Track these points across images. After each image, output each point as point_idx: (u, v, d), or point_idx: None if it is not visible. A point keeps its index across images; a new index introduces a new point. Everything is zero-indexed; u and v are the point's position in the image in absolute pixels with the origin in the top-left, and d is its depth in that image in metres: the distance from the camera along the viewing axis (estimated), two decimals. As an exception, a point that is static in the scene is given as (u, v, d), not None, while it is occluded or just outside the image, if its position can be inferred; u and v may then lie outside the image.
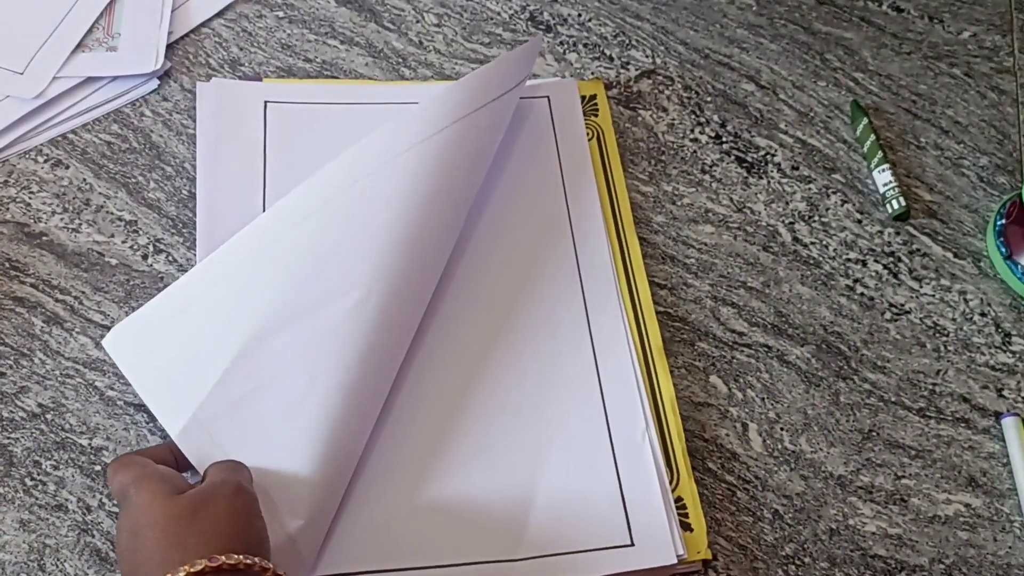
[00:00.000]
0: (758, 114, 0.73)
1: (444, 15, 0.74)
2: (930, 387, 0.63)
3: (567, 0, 0.76)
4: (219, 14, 0.72)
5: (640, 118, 0.71)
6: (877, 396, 0.62)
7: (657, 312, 0.63)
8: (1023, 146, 0.74)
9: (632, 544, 0.54)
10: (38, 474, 0.54)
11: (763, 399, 0.61)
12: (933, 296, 0.66)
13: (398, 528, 0.53)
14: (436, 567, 0.52)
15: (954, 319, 0.66)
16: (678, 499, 0.56)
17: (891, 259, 0.68)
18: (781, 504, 0.58)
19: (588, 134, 0.69)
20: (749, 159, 0.71)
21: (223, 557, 0.41)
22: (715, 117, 0.72)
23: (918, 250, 0.68)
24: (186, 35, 0.70)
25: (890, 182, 0.69)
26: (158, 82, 0.68)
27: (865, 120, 0.72)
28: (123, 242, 0.62)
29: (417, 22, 0.74)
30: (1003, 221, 0.67)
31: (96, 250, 0.61)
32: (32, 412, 0.56)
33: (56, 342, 0.58)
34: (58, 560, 0.52)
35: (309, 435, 0.51)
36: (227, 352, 0.52)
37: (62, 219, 0.62)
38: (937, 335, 0.65)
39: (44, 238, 0.61)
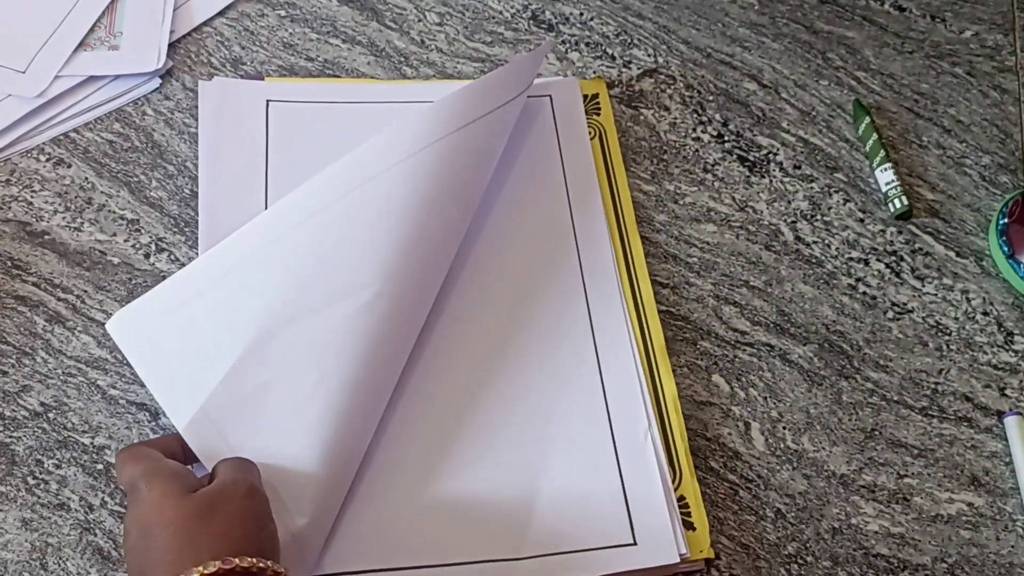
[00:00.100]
0: (760, 113, 0.73)
1: (446, 14, 0.74)
2: (932, 386, 0.63)
3: (569, -1, 0.77)
4: (221, 13, 0.72)
5: (642, 117, 0.71)
6: (879, 395, 0.62)
7: (659, 311, 0.63)
8: (1025, 145, 0.74)
9: (635, 543, 0.54)
10: (40, 473, 0.54)
11: (765, 398, 0.61)
12: (935, 295, 0.66)
13: (401, 527, 0.53)
14: (439, 566, 0.52)
15: (956, 318, 0.66)
16: (680, 498, 0.56)
17: (893, 258, 0.68)
18: (783, 503, 0.58)
19: (590, 133, 0.69)
20: (751, 158, 0.71)
21: (236, 560, 0.41)
22: (717, 116, 0.72)
23: (920, 249, 0.68)
24: (188, 34, 0.70)
25: (892, 181, 0.69)
26: (160, 81, 0.68)
27: (867, 119, 0.72)
28: (125, 241, 0.62)
29: (419, 21, 0.74)
30: (1005, 220, 0.67)
31: (98, 249, 0.61)
32: (34, 411, 0.56)
33: (58, 341, 0.58)
34: (60, 559, 0.52)
35: (317, 433, 0.51)
36: (236, 345, 0.52)
37: (64, 218, 0.62)
38: (939, 334, 0.65)
39: (46, 237, 0.61)
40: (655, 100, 0.72)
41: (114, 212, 0.63)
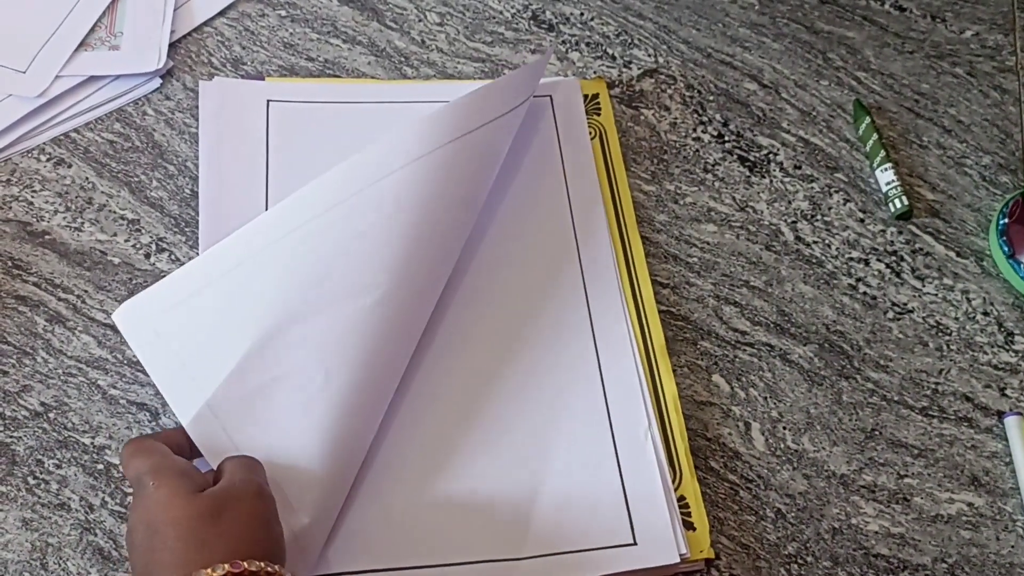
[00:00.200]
0: (760, 113, 0.73)
1: (446, 14, 0.74)
2: (933, 386, 0.63)
3: (569, -1, 0.77)
4: (221, 13, 0.72)
5: (642, 117, 0.71)
6: (880, 395, 0.62)
7: (660, 311, 0.63)
8: (1026, 145, 0.74)
9: (635, 543, 0.54)
10: (41, 473, 0.54)
11: (766, 398, 0.61)
12: (936, 295, 0.66)
13: (402, 527, 0.53)
14: (440, 566, 0.52)
15: (957, 318, 0.66)
16: (681, 498, 0.56)
17: (894, 258, 0.68)
18: (784, 503, 0.58)
19: (591, 133, 0.69)
20: (751, 158, 0.71)
21: (245, 563, 0.41)
22: (717, 116, 0.72)
23: (920, 249, 0.68)
24: (188, 34, 0.70)
25: (892, 181, 0.69)
26: (160, 81, 0.68)
27: (867, 119, 0.72)
28: (126, 241, 0.62)
29: (419, 21, 0.74)
30: (1006, 220, 0.67)
31: (99, 249, 0.61)
32: (35, 411, 0.56)
33: (59, 341, 0.58)
34: (60, 559, 0.52)
35: (321, 432, 0.51)
36: (243, 340, 0.52)
37: (64, 218, 0.62)
38: (940, 334, 0.65)
39: (46, 237, 0.61)
40: (655, 100, 0.72)
41: (114, 212, 0.63)
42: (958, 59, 0.77)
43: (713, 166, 0.70)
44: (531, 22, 0.75)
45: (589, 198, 0.66)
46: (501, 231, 0.64)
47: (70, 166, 0.64)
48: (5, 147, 0.64)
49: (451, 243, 0.58)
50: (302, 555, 0.50)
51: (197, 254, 0.60)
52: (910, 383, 0.63)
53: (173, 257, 0.61)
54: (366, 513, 0.53)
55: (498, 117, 0.61)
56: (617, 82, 0.73)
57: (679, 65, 0.74)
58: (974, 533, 0.58)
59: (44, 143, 0.65)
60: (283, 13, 0.73)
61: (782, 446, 0.60)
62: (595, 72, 0.73)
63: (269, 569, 0.41)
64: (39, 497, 0.53)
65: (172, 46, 0.69)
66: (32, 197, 0.63)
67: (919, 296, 0.66)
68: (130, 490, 0.54)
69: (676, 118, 0.72)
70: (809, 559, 0.56)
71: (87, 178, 0.64)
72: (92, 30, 0.69)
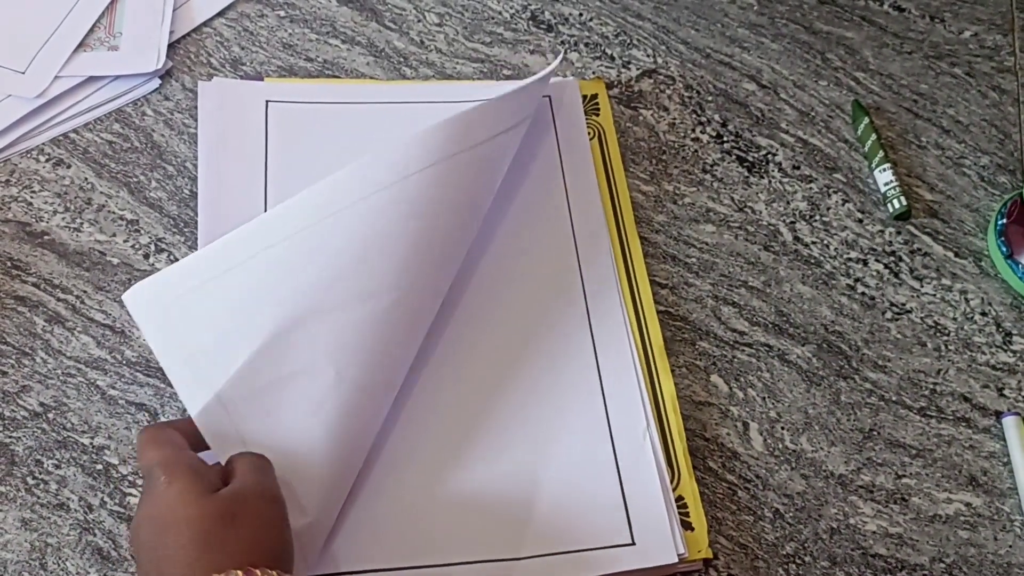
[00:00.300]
0: (759, 113, 0.73)
1: (445, 14, 0.74)
2: (931, 386, 0.63)
3: (568, 0, 0.77)
4: (220, 13, 0.72)
5: (641, 117, 0.71)
6: (878, 395, 0.62)
7: (658, 311, 0.63)
8: (1024, 145, 0.74)
9: (633, 543, 0.54)
10: (40, 473, 0.54)
11: (764, 398, 0.61)
12: (934, 295, 0.66)
13: (400, 527, 0.53)
14: (438, 566, 0.52)
15: (955, 318, 0.66)
16: (679, 498, 0.56)
17: (892, 258, 0.68)
18: (782, 503, 0.58)
19: (589, 134, 0.69)
20: (750, 159, 0.71)
21: (258, 572, 0.40)
22: (716, 116, 0.72)
23: (919, 249, 0.68)
24: (187, 34, 0.70)
25: (891, 181, 0.69)
26: (159, 81, 0.68)
27: (866, 119, 0.72)
28: (124, 241, 0.62)
29: (418, 21, 0.74)
30: (1004, 220, 0.67)
31: (98, 249, 0.61)
32: (34, 411, 0.56)
33: (58, 341, 0.58)
34: (60, 559, 0.52)
35: (328, 433, 0.50)
36: (257, 333, 0.51)
37: (64, 218, 0.62)
38: (938, 334, 0.65)
39: (46, 237, 0.61)
40: (654, 100, 0.72)
41: (114, 212, 0.63)
42: (957, 59, 0.77)
43: (712, 166, 0.70)
44: (530, 22, 0.75)
45: (588, 199, 0.66)
46: (500, 231, 0.64)
47: (69, 167, 0.64)
48: (4, 148, 0.64)
49: (457, 249, 0.58)
50: (301, 554, 0.50)
51: (196, 254, 0.60)
52: (908, 383, 0.63)
53: (172, 257, 0.61)
54: (365, 513, 0.53)
55: (505, 131, 0.60)
56: (616, 82, 0.73)
57: (678, 65, 0.74)
58: (972, 533, 0.58)
59: (43, 144, 0.65)
60: (282, 14, 0.73)
61: (780, 446, 0.60)
62: (594, 72, 0.73)
63: None
64: (38, 497, 0.53)
65: (171, 46, 0.69)
66: (31, 198, 0.63)
67: (917, 296, 0.66)
68: (129, 491, 0.54)
69: (675, 118, 0.72)
70: (807, 559, 0.56)
71: (86, 178, 0.64)
72: (91, 30, 0.69)
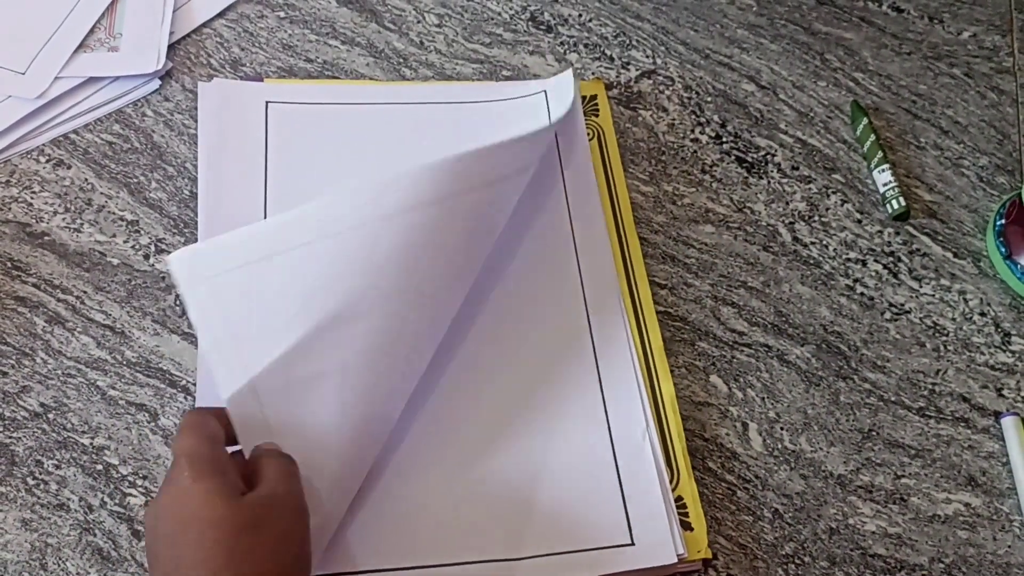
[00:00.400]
0: (758, 114, 0.73)
1: (445, 15, 0.74)
2: (930, 387, 0.63)
3: (568, 0, 0.77)
4: (220, 14, 0.72)
5: (640, 118, 0.72)
6: (877, 396, 0.62)
7: (657, 312, 0.63)
8: (1023, 146, 0.74)
9: (632, 543, 0.54)
10: (40, 473, 0.54)
11: (763, 399, 0.61)
12: (933, 296, 0.67)
13: (399, 528, 0.53)
14: (437, 566, 0.52)
15: (954, 319, 0.66)
16: (678, 498, 0.56)
17: (891, 259, 0.68)
18: (781, 503, 0.58)
19: (589, 134, 0.69)
20: (749, 159, 0.71)
21: None
22: (715, 117, 0.72)
23: (918, 250, 0.68)
24: (187, 35, 0.71)
25: (890, 182, 0.69)
26: (159, 82, 0.68)
27: (865, 120, 0.72)
28: (125, 242, 0.62)
29: (418, 22, 0.74)
30: (1003, 221, 0.67)
31: (98, 250, 0.61)
32: (34, 411, 0.56)
33: (58, 342, 0.58)
34: (60, 559, 0.52)
35: (350, 434, 0.50)
36: (297, 325, 0.49)
37: (64, 219, 0.62)
38: (937, 335, 0.65)
39: (46, 238, 0.61)
40: (653, 101, 0.72)
41: (114, 213, 0.63)
42: (955, 60, 0.77)
43: (711, 167, 0.70)
44: (529, 23, 0.75)
45: (587, 200, 0.66)
46: (501, 233, 0.64)
47: (69, 167, 0.64)
48: (4, 148, 0.64)
49: (469, 273, 0.58)
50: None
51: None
52: (907, 383, 0.63)
53: (172, 258, 0.61)
54: (364, 514, 0.53)
55: (516, 173, 0.60)
56: (615, 83, 0.73)
57: (677, 66, 0.74)
58: (971, 533, 0.58)
59: (43, 144, 0.65)
60: (282, 14, 0.73)
61: (779, 446, 0.60)
62: (593, 73, 0.73)
63: None
64: (38, 497, 0.53)
65: (171, 47, 0.69)
66: (31, 198, 0.63)
67: (916, 297, 0.66)
68: (129, 491, 0.54)
69: (674, 119, 0.72)
70: (806, 559, 0.56)
71: (86, 179, 0.64)
72: (91, 31, 0.69)
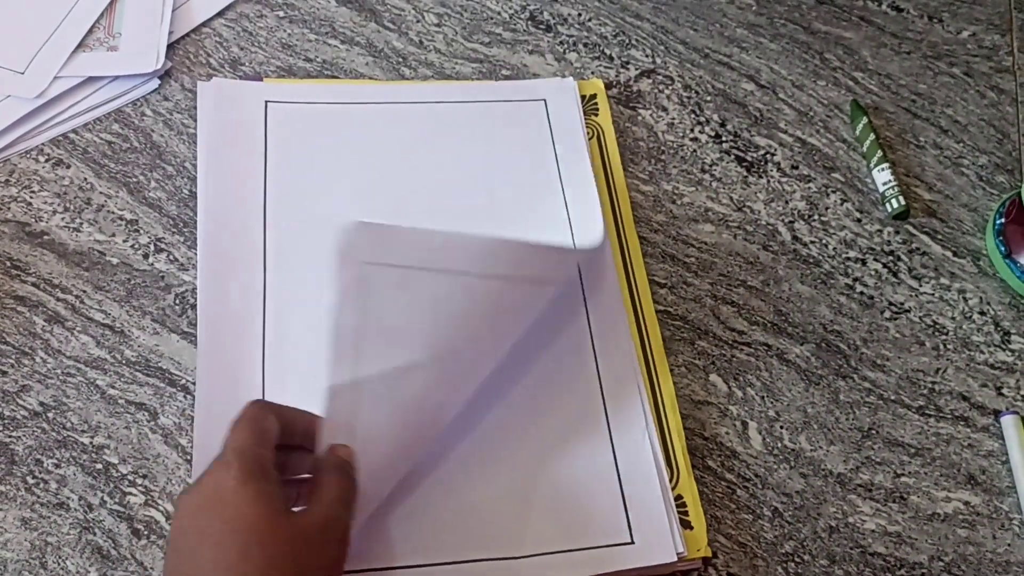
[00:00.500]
0: (758, 113, 0.73)
1: (444, 15, 0.74)
2: (929, 385, 0.63)
3: (567, 0, 0.77)
4: (220, 14, 0.72)
5: (640, 117, 0.72)
6: (876, 394, 0.62)
7: (657, 311, 0.63)
8: (1022, 145, 0.74)
9: (632, 542, 0.54)
10: (40, 472, 0.54)
11: (763, 397, 0.61)
12: (932, 295, 0.67)
13: (399, 527, 0.53)
14: (437, 565, 0.52)
15: (953, 318, 0.66)
16: (678, 497, 0.56)
17: (890, 258, 0.68)
18: (781, 502, 0.58)
19: (588, 134, 0.69)
20: (749, 158, 0.71)
21: None
22: (715, 116, 0.72)
23: (917, 249, 0.68)
24: (187, 35, 0.71)
25: (889, 181, 0.69)
26: (159, 82, 0.68)
27: (864, 119, 0.72)
28: (124, 241, 0.62)
29: (417, 22, 0.74)
30: (1002, 220, 0.67)
31: (97, 249, 0.61)
32: (33, 411, 0.56)
33: (57, 341, 0.58)
34: (60, 558, 0.52)
35: (404, 440, 0.50)
36: (400, 347, 0.49)
37: (63, 218, 0.62)
38: (936, 334, 0.65)
39: (45, 237, 0.61)
40: (653, 100, 0.72)
41: (113, 212, 0.63)
42: (955, 59, 0.77)
43: (710, 166, 0.70)
44: (529, 23, 0.75)
45: (587, 199, 0.66)
46: (498, 232, 0.64)
47: (69, 167, 0.64)
48: (4, 148, 0.64)
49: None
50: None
51: (195, 254, 0.61)
52: (907, 382, 0.63)
53: (171, 257, 0.61)
54: (364, 514, 0.53)
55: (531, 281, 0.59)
56: (615, 82, 0.73)
57: (676, 65, 0.74)
58: (971, 532, 0.58)
59: (43, 144, 0.65)
60: (281, 14, 0.73)
61: (779, 445, 0.60)
62: (593, 72, 0.73)
63: None
64: (38, 496, 0.53)
65: (170, 47, 0.69)
66: (31, 198, 0.63)
67: (916, 296, 0.66)
68: (129, 490, 0.54)
69: (674, 118, 0.72)
70: (806, 557, 0.56)
71: (85, 179, 0.64)
72: (90, 31, 0.69)
